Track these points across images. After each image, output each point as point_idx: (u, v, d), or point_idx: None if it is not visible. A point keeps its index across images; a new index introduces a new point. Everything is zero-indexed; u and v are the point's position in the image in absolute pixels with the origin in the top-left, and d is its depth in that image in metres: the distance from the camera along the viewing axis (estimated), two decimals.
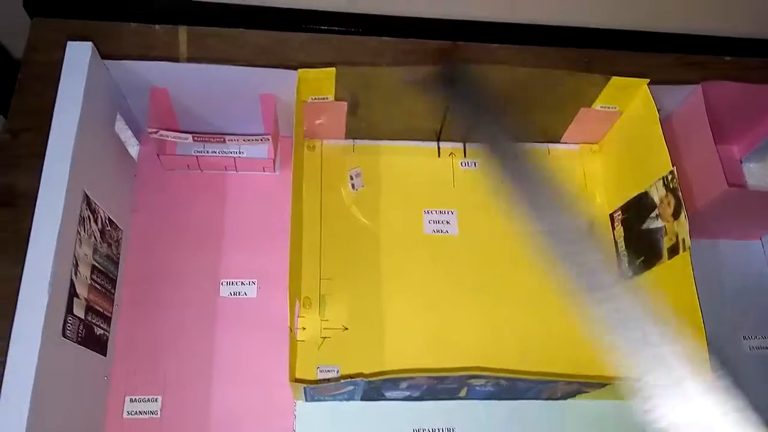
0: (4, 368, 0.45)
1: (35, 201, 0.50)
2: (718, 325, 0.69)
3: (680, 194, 0.60)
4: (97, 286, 0.57)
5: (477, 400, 0.63)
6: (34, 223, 0.49)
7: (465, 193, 0.73)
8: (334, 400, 0.62)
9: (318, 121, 0.70)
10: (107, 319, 0.59)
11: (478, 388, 0.60)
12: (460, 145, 0.75)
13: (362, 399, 0.62)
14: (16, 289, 0.47)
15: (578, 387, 0.59)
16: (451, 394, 0.62)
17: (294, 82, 0.61)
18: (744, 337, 0.69)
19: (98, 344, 0.57)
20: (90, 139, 0.56)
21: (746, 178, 0.77)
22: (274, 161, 0.69)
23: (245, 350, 0.63)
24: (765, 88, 0.68)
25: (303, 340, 0.64)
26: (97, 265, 0.57)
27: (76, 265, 0.53)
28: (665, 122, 0.68)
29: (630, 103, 0.69)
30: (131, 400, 0.60)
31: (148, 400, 0.60)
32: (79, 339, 0.53)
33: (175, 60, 0.72)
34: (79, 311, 0.53)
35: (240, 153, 0.69)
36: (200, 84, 0.63)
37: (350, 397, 0.61)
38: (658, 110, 0.64)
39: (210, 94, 0.64)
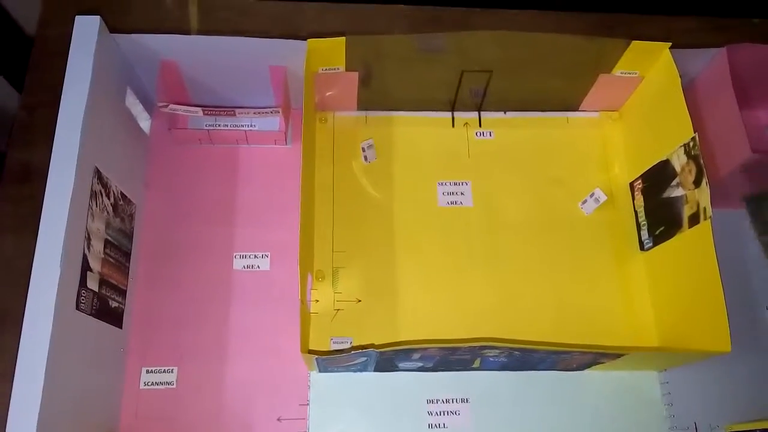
0: (18, 341, 0.46)
1: None
2: (741, 296, 0.68)
3: (702, 161, 0.58)
4: (111, 260, 0.58)
5: (490, 371, 0.63)
6: (45, 198, 0.50)
7: (480, 163, 0.72)
8: (348, 371, 0.62)
9: (329, 93, 0.69)
10: (122, 293, 0.60)
11: (491, 359, 0.59)
12: (475, 114, 0.74)
13: (375, 370, 0.62)
14: (31, 264, 0.48)
15: (593, 357, 0.58)
16: (465, 366, 0.62)
17: (304, 53, 0.61)
18: (767, 308, 0.68)
19: (113, 317, 0.58)
20: (100, 114, 0.56)
21: None
22: (285, 134, 0.69)
23: (259, 322, 0.63)
24: None
25: (316, 312, 0.64)
26: (110, 239, 0.58)
27: (89, 239, 0.53)
28: (688, 87, 0.65)
29: (651, 68, 0.67)
30: (147, 372, 0.61)
31: (164, 371, 0.61)
32: (93, 312, 0.54)
33: (186, 33, 0.72)
34: (92, 284, 0.54)
35: (251, 126, 0.69)
36: (210, 56, 0.62)
37: (363, 369, 0.61)
38: (680, 75, 0.62)
39: (220, 66, 0.64)
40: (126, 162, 0.63)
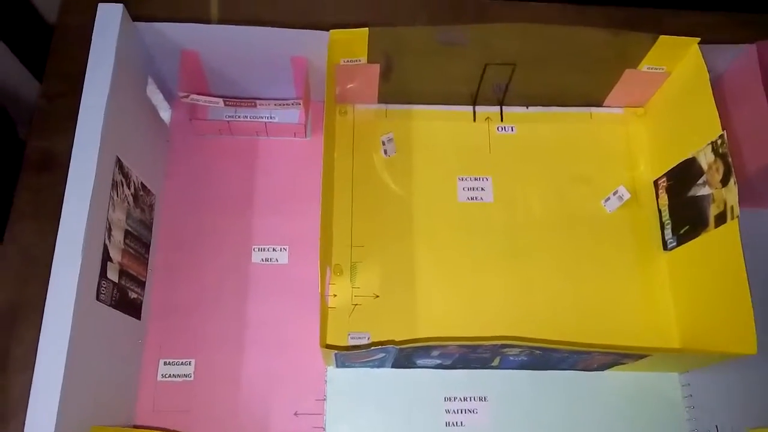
0: (39, 331, 0.46)
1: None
2: (765, 297, 0.66)
3: (730, 160, 0.57)
4: (131, 251, 0.57)
5: (510, 370, 0.62)
6: (67, 187, 0.49)
7: (501, 158, 0.71)
8: (365, 367, 0.62)
9: (350, 85, 0.68)
10: (141, 284, 0.60)
11: (511, 357, 0.58)
12: (496, 109, 0.73)
13: (393, 366, 0.62)
14: (50, 252, 0.48)
15: (615, 358, 0.58)
16: (484, 364, 0.61)
17: (326, 44, 0.60)
18: None
19: (132, 308, 0.58)
20: (121, 103, 0.55)
21: None
22: (305, 126, 0.68)
23: (277, 316, 0.63)
24: None
25: (334, 307, 0.63)
26: (130, 229, 0.57)
27: (110, 230, 0.53)
28: (715, 84, 0.64)
29: (679, 63, 0.65)
30: (165, 363, 0.61)
31: (182, 363, 0.61)
32: (113, 303, 0.54)
33: (207, 22, 0.71)
34: (112, 275, 0.53)
35: (271, 118, 0.68)
36: (231, 46, 0.62)
37: (381, 365, 0.61)
38: (708, 71, 0.61)
39: (241, 56, 0.63)
40: (146, 152, 0.63)
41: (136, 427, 0.58)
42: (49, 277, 0.47)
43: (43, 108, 0.68)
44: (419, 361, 0.60)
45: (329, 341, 0.62)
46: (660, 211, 0.69)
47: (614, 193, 0.68)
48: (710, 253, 0.60)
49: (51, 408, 0.44)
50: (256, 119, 0.68)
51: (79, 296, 0.47)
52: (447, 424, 0.61)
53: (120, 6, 0.55)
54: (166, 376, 0.60)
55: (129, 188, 0.57)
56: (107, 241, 0.52)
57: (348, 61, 0.64)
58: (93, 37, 0.54)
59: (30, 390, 0.45)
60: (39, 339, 0.46)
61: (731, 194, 0.57)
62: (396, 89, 0.70)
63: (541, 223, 0.68)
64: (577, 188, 0.70)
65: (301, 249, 0.65)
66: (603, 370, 0.63)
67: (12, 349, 0.59)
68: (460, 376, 0.62)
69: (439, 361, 0.60)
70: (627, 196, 0.67)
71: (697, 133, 0.62)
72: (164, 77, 0.66)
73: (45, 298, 0.46)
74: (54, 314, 0.46)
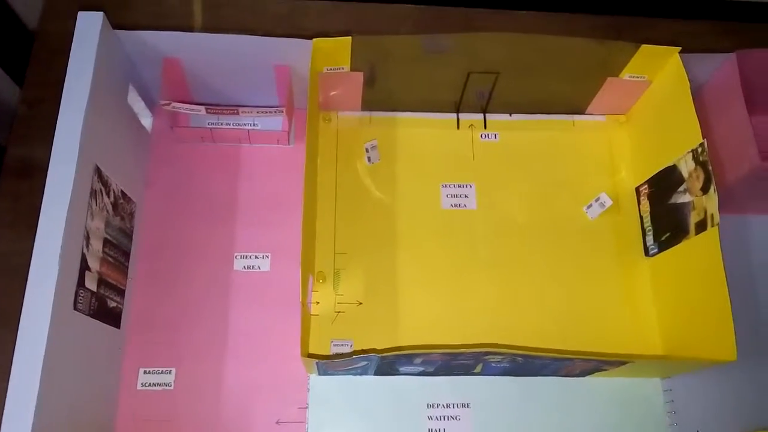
0: (15, 341, 0.45)
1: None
2: (746, 303, 0.67)
3: (710, 168, 0.57)
4: (110, 259, 0.57)
5: (492, 376, 0.63)
6: (44, 196, 0.49)
7: (484, 166, 0.71)
8: (348, 374, 0.62)
9: (333, 93, 0.68)
10: (121, 292, 0.60)
11: (493, 364, 0.59)
12: (480, 116, 0.73)
13: (376, 374, 0.61)
14: (29, 261, 0.47)
15: (596, 365, 0.58)
16: (466, 370, 0.61)
17: (309, 52, 0.60)
18: None
19: (111, 317, 0.57)
20: (102, 111, 0.55)
21: None
22: (288, 133, 0.68)
23: (259, 323, 0.63)
24: None
25: (317, 315, 0.63)
26: (109, 238, 0.57)
27: (88, 238, 0.52)
28: (696, 92, 0.65)
29: (660, 72, 0.66)
30: (145, 372, 0.60)
31: (162, 372, 0.60)
32: (91, 312, 0.53)
33: (190, 30, 0.71)
34: (91, 284, 0.53)
35: (254, 125, 0.68)
36: (214, 54, 0.62)
37: (364, 372, 0.61)
38: (689, 80, 0.61)
39: (224, 64, 0.63)
40: (127, 160, 0.62)
41: None
42: (24, 286, 0.46)
43: (22, 115, 0.68)
44: (402, 369, 0.60)
45: (312, 348, 0.62)
46: (642, 218, 0.69)
47: (596, 200, 0.68)
48: (691, 260, 0.61)
49: (27, 417, 0.44)
50: (238, 126, 0.67)
51: (55, 306, 0.46)
52: (430, 430, 0.61)
53: (100, 14, 0.55)
54: (146, 385, 0.60)
55: (108, 196, 0.57)
56: (85, 250, 0.52)
57: (331, 69, 0.64)
58: (73, 45, 0.54)
59: (5, 399, 0.44)
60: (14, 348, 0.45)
61: (711, 202, 0.57)
62: (380, 97, 0.70)
63: (523, 230, 0.68)
64: (560, 195, 0.70)
65: (283, 256, 0.65)
66: (584, 376, 0.63)
67: None
68: (443, 383, 0.62)
69: (421, 368, 0.60)
70: (609, 203, 0.68)
71: (677, 141, 0.62)
72: (146, 85, 0.66)
73: (19, 307, 0.46)
74: (30, 323, 0.46)
